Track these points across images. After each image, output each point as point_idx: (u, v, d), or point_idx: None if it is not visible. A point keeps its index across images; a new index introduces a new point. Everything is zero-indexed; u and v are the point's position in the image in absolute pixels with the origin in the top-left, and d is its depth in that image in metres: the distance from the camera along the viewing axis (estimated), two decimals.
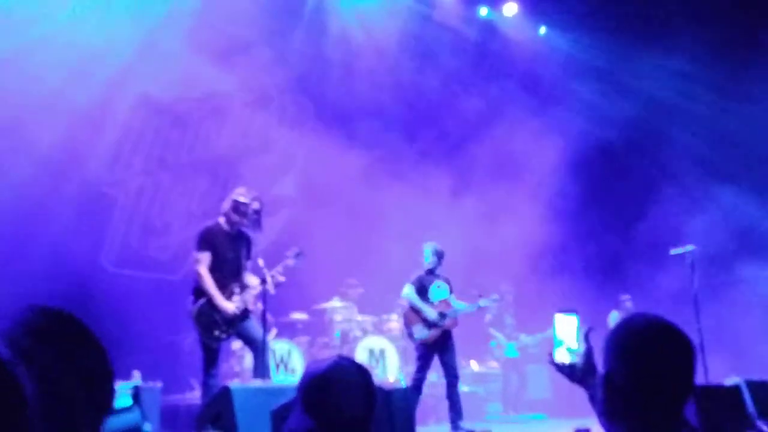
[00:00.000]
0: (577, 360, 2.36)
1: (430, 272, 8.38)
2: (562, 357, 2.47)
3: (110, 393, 1.18)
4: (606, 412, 2.04)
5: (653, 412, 1.95)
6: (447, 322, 8.16)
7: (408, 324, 8.30)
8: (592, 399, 2.33)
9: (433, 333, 8.14)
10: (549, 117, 12.00)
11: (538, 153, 11.77)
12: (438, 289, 8.36)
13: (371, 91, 11.43)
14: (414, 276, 8.38)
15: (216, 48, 10.30)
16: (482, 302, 8.51)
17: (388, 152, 11.41)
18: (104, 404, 1.16)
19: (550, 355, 3.05)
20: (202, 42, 10.15)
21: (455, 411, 8.03)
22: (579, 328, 2.48)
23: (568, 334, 2.56)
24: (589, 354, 2.38)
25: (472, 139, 12.06)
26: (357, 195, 10.92)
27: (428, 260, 8.30)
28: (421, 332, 8.16)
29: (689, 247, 8.31)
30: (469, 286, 10.16)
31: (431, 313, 8.15)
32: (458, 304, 8.35)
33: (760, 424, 5.98)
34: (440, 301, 8.27)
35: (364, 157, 11.14)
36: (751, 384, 6.22)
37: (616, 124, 12.18)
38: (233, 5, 10.28)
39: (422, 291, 8.30)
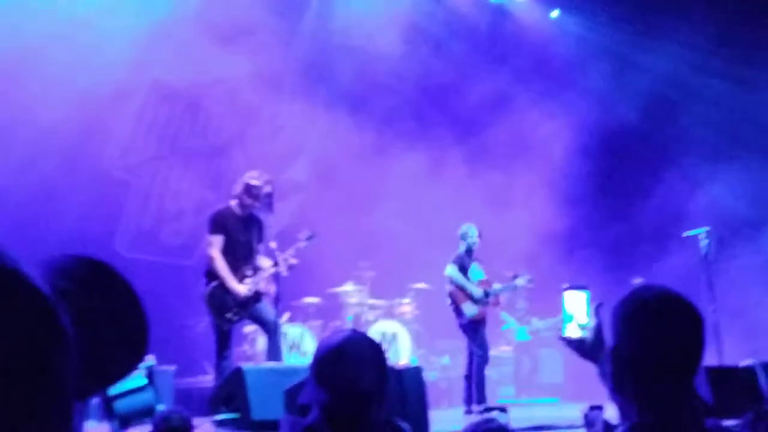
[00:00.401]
0: (587, 335, 2.31)
1: (469, 253, 8.48)
2: (572, 332, 2.44)
3: (144, 341, 1.18)
4: (615, 385, 2.01)
5: (662, 385, 1.91)
6: (491, 299, 8.37)
7: (456, 302, 8.37)
8: (603, 375, 2.31)
9: (481, 310, 8.32)
10: (560, 101, 11.91)
11: (550, 137, 11.71)
12: (477, 270, 8.49)
13: (382, 74, 11.40)
14: (455, 255, 8.47)
15: (226, 32, 10.29)
16: (519, 281, 8.69)
17: (399, 137, 11.38)
18: (139, 351, 1.16)
19: (560, 330, 3.04)
20: (212, 26, 10.16)
21: (480, 392, 7.98)
22: (589, 303, 2.46)
23: (578, 310, 2.54)
24: (599, 329, 2.35)
25: (483, 123, 12.01)
26: (369, 179, 10.92)
27: (470, 240, 8.39)
28: (470, 309, 8.27)
29: (703, 229, 8.30)
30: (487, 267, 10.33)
31: (477, 291, 8.27)
32: (496, 285, 8.50)
33: None
34: (479, 281, 8.39)
35: (376, 140, 11.12)
36: (766, 366, 6.35)
37: (629, 105, 12.09)
38: None
39: (463, 270, 8.40)
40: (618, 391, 2.00)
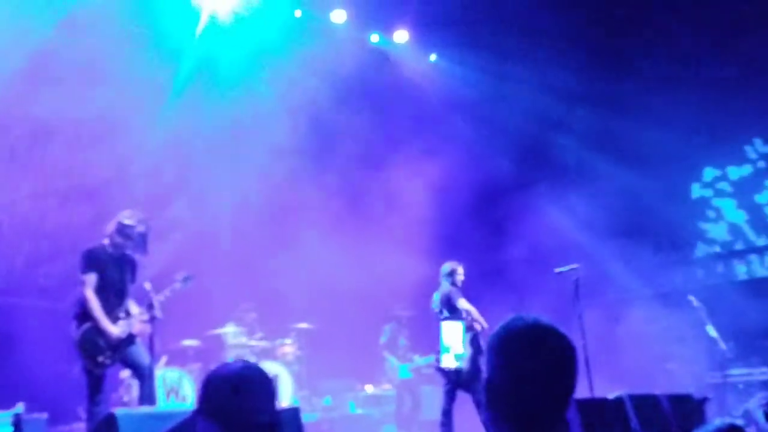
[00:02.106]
0: (464, 365, 2.38)
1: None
2: (449, 362, 2.52)
3: None
4: (489, 416, 1.99)
5: (534, 415, 1.92)
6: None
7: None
8: (478, 405, 2.30)
9: None
10: (433, 147, 12.11)
11: (422, 180, 11.83)
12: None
13: (264, 113, 11.33)
14: (445, 293, 8.22)
15: (105, 68, 10.02)
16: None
17: (282, 178, 11.30)
18: None
19: (437, 360, 3.04)
20: (90, 62, 9.86)
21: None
22: (465, 334, 2.56)
23: (454, 340, 2.58)
24: (474, 359, 2.41)
25: (362, 167, 12.08)
26: (251, 219, 10.80)
27: (458, 277, 8.32)
28: None
29: (574, 266, 8.44)
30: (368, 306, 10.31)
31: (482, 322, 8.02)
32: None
33: None
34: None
35: (259, 180, 11.03)
36: (634, 398, 6.48)
37: (499, 151, 12.51)
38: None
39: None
40: (492, 421, 2.00)
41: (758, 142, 12.29)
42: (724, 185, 12.75)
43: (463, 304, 7.98)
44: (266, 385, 2.29)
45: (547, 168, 12.69)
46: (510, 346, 1.98)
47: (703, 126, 11.76)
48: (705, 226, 12.90)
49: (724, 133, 11.89)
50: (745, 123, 11.69)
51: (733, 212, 12.61)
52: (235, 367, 2.29)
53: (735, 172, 12.63)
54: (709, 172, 12.87)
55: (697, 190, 12.87)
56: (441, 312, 7.94)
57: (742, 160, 12.45)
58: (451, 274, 8.38)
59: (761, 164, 12.28)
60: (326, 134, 11.62)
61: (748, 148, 12.39)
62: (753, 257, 12.31)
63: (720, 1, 10.77)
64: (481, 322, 7.67)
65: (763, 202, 12.22)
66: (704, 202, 12.90)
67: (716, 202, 12.80)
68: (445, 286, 8.28)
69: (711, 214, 12.83)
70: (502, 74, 12.33)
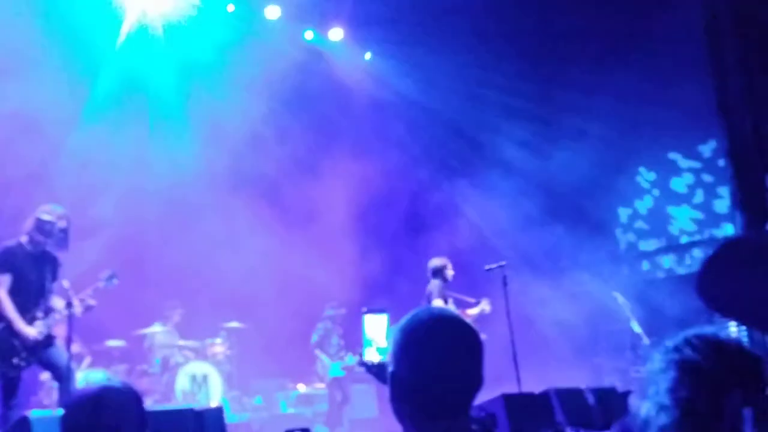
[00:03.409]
0: (387, 359, 2.23)
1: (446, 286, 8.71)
2: (371, 356, 2.48)
3: None
4: (393, 409, 1.96)
5: (437, 408, 1.89)
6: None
7: None
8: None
9: None
10: (364, 146, 12.09)
11: (353, 179, 11.73)
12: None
13: (191, 113, 11.20)
14: (438, 288, 8.57)
15: (25, 61, 9.69)
16: (484, 305, 8.79)
17: (209, 176, 11.11)
18: None
19: (360, 355, 3.00)
20: (8, 53, 9.52)
21: None
22: (389, 327, 2.50)
23: (377, 334, 2.50)
24: None
25: (293, 165, 11.97)
26: (179, 216, 10.58)
27: (448, 273, 8.69)
28: None
29: (502, 263, 8.68)
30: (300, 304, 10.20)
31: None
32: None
33: (569, 431, 6.34)
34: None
35: (187, 175, 10.81)
36: (560, 392, 6.68)
37: (428, 150, 12.60)
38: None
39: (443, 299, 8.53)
40: (397, 415, 1.97)
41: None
42: (648, 184, 13.04)
43: (436, 302, 8.29)
44: (129, 403, 2.30)
45: (476, 165, 12.76)
46: (413, 337, 1.93)
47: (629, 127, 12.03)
48: (630, 222, 13.20)
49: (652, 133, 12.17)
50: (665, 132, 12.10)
51: (659, 211, 12.91)
52: (94, 387, 2.32)
53: (661, 172, 12.93)
54: (638, 172, 13.15)
55: (624, 187, 13.12)
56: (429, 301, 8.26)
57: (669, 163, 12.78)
58: (441, 269, 8.65)
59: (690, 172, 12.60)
60: (256, 133, 11.40)
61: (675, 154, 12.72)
62: (673, 256, 12.61)
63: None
64: None
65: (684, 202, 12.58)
66: (630, 198, 13.19)
67: (642, 198, 13.10)
68: (433, 282, 8.57)
69: (636, 209, 13.15)
70: (434, 72, 12.30)
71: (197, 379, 9.76)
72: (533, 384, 7.36)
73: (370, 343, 2.52)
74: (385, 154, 12.01)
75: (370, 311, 2.70)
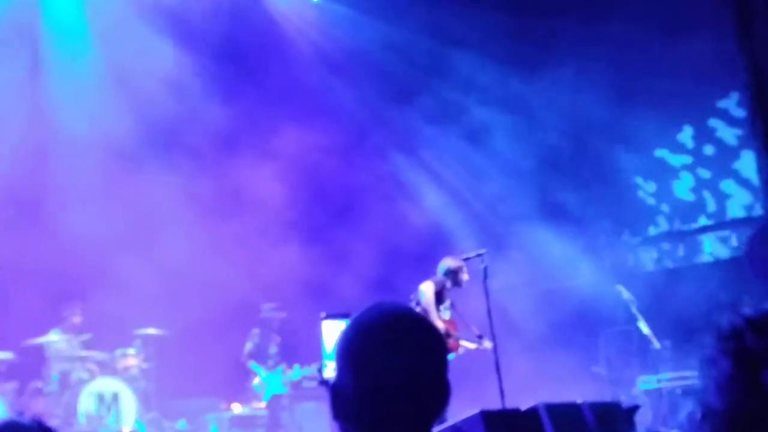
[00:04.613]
0: None
1: (450, 289, 8.27)
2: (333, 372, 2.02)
3: None
4: (337, 428, 1.72)
5: (394, 429, 1.64)
6: (451, 341, 7.96)
7: None
8: None
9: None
10: (305, 117, 11.18)
11: (286, 163, 10.96)
12: (448, 309, 8.26)
13: (105, 87, 10.33)
14: (437, 278, 8.12)
15: None
16: (486, 343, 8.18)
17: (123, 164, 10.28)
18: None
19: (320, 371, 2.87)
20: None
21: None
22: None
23: None
24: None
25: (217, 150, 11.11)
26: (75, 208, 9.70)
27: (462, 276, 8.19)
28: None
29: (481, 251, 8.31)
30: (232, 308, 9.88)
31: (440, 324, 7.72)
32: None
33: None
34: (446, 320, 8.06)
35: (81, 165, 10.02)
36: (551, 407, 6.18)
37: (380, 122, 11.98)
38: None
39: (439, 298, 8.04)
40: None
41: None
42: (647, 167, 12.58)
43: (425, 286, 7.92)
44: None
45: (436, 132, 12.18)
46: (360, 340, 1.67)
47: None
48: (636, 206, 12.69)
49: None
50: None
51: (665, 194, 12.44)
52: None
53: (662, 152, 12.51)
54: (633, 155, 12.55)
55: (624, 170, 12.60)
56: (417, 304, 7.82)
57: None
58: (456, 271, 8.16)
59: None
60: (174, 90, 10.38)
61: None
62: (689, 240, 12.10)
63: None
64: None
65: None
66: (630, 184, 12.72)
67: (644, 184, 12.65)
68: (436, 281, 8.09)
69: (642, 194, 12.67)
70: (397, 22, 11.55)
71: (105, 399, 9.11)
72: (519, 398, 6.97)
73: (330, 357, 1.74)
74: (332, 124, 11.20)
75: (330, 316, 3.29)
